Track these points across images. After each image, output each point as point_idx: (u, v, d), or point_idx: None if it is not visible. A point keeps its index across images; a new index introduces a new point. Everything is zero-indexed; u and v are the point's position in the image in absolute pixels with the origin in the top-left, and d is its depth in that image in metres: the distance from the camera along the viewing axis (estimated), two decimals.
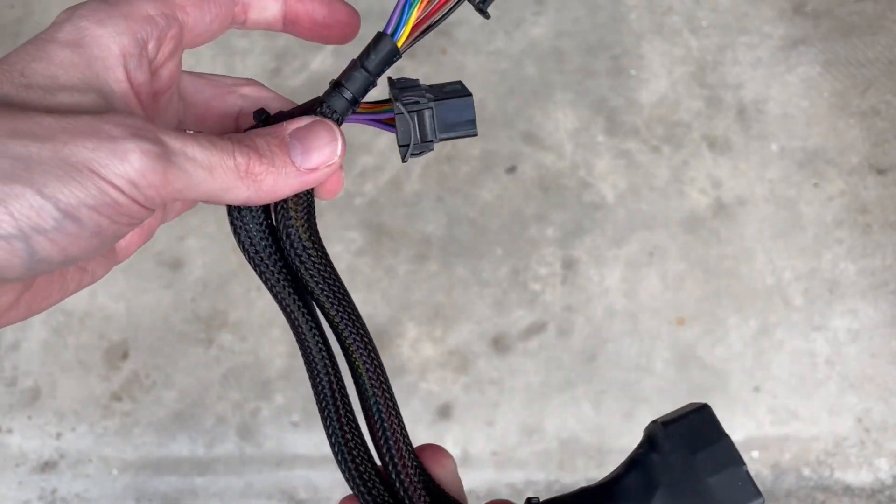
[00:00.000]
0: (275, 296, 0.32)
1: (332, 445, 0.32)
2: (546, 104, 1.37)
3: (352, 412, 0.33)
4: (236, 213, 0.31)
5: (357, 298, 1.28)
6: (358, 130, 1.37)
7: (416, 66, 1.42)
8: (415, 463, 0.32)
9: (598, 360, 1.17)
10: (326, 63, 1.45)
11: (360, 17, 0.34)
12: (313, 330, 0.33)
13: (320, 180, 0.30)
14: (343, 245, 1.28)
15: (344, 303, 0.33)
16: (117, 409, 1.20)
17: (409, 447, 0.32)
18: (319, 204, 1.16)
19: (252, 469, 1.15)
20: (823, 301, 1.19)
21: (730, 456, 0.29)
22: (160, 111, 0.31)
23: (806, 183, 1.28)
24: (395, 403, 0.33)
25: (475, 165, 1.33)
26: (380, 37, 0.30)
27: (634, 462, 0.30)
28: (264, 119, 0.31)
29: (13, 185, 0.22)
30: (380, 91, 0.33)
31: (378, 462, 0.33)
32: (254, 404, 1.18)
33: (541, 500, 0.30)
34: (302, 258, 0.31)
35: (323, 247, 0.32)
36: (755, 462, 1.12)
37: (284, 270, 0.32)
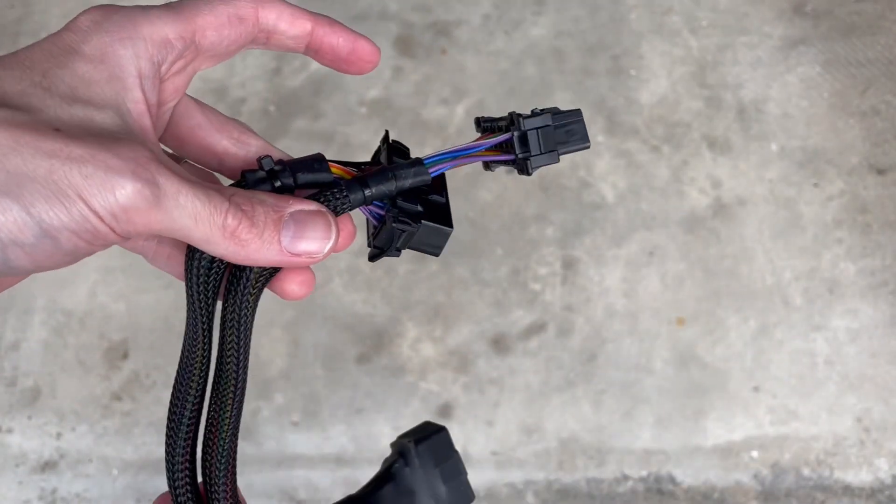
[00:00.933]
0: (191, 316, 0.32)
1: (172, 451, 0.33)
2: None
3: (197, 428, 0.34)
4: (198, 257, 0.31)
5: (357, 298, 1.29)
6: (359, 131, 1.37)
7: (416, 66, 1.42)
8: (234, 497, 0.34)
9: (597, 359, 1.17)
10: None
11: (380, 54, 0.34)
12: (206, 355, 0.33)
13: (298, 266, 0.30)
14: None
15: (242, 374, 0.33)
16: (117, 409, 1.20)
17: (234, 485, 0.34)
18: None
19: (252, 469, 1.15)
20: (823, 301, 1.19)
21: (457, 469, 0.39)
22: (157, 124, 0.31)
23: (806, 183, 1.28)
24: (235, 446, 0.34)
25: (475, 165, 1.33)
26: (422, 170, 0.33)
27: (391, 475, 0.39)
28: (269, 170, 0.31)
29: (3, 198, 0.23)
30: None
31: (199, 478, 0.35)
32: (254, 404, 1.18)
33: None
34: (237, 320, 0.32)
35: (253, 317, 0.33)
36: (755, 461, 1.12)
37: (213, 309, 0.32)
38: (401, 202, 0.33)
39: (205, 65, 0.31)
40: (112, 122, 0.26)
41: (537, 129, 0.33)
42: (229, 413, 0.33)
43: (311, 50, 0.33)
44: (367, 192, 0.31)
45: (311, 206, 0.30)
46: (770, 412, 1.14)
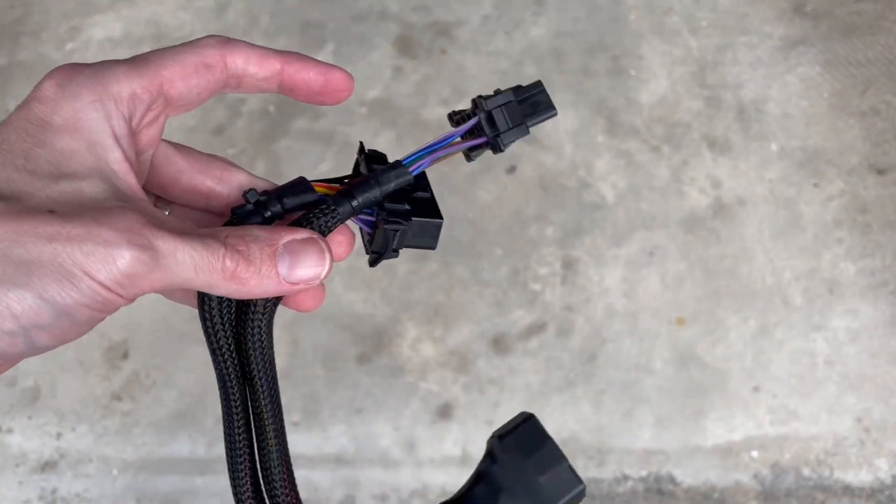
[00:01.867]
0: (218, 368, 0.34)
1: (235, 478, 0.34)
2: None
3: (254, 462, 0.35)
4: (207, 301, 0.33)
5: (357, 298, 1.29)
6: (359, 130, 1.37)
7: (417, 66, 1.42)
8: None
9: (597, 359, 1.17)
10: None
11: (353, 81, 0.34)
12: (243, 399, 0.35)
13: (298, 292, 0.31)
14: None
15: (274, 392, 0.35)
16: (117, 409, 1.20)
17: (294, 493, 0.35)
18: None
19: None
20: (823, 301, 1.19)
21: (554, 456, 0.35)
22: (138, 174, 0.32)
23: (805, 183, 1.28)
24: (290, 470, 0.35)
25: (475, 165, 1.33)
26: (402, 171, 0.33)
27: (480, 475, 0.36)
28: (255, 202, 0.32)
29: (16, 289, 0.25)
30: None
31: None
32: None
33: None
34: (255, 347, 0.34)
35: (271, 335, 0.35)
36: (755, 461, 1.12)
37: (232, 343, 0.34)
38: (388, 205, 0.34)
39: (176, 113, 0.31)
40: (100, 190, 0.27)
41: (501, 106, 0.34)
42: (270, 431, 0.34)
43: (285, 88, 0.33)
44: (354, 203, 0.32)
45: (303, 234, 0.30)
46: (770, 412, 1.14)
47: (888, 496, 1.09)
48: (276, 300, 0.33)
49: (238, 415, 0.34)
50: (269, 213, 0.32)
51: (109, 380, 1.21)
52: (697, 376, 1.16)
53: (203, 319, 0.33)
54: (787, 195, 1.27)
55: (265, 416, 0.35)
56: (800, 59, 1.38)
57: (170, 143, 0.33)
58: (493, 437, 0.36)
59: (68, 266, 0.25)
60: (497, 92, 0.34)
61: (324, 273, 0.31)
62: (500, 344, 1.20)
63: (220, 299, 0.32)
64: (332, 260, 0.31)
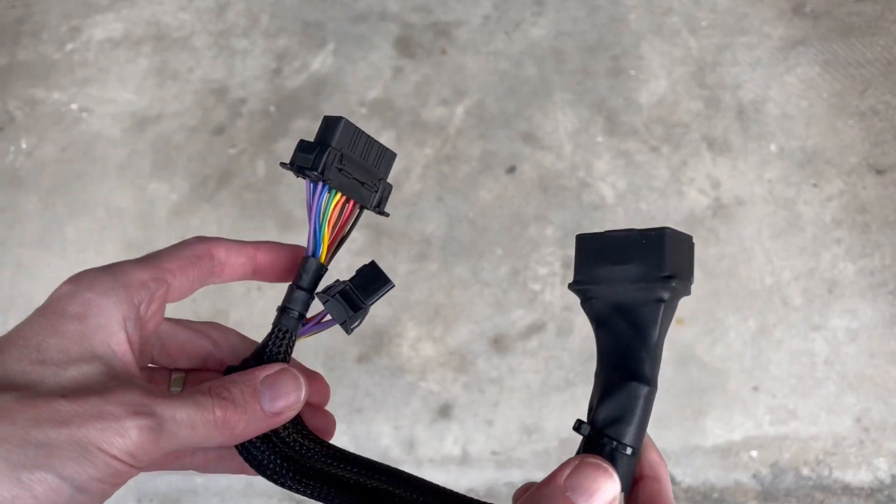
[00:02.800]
0: (310, 496, 0.36)
1: None
2: (546, 104, 1.38)
3: None
4: (245, 452, 0.35)
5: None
6: None
7: (416, 66, 1.42)
8: None
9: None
10: (326, 63, 1.45)
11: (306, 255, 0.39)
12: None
13: (285, 421, 0.34)
14: (343, 245, 1.28)
15: (372, 465, 0.36)
16: None
17: None
18: None
19: None
20: (822, 301, 1.20)
21: (620, 239, 0.32)
22: (140, 352, 0.35)
23: (805, 183, 1.28)
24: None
25: (475, 165, 1.33)
26: (305, 260, 0.36)
27: (593, 322, 0.32)
28: (242, 364, 0.35)
29: (37, 471, 0.27)
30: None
31: None
32: None
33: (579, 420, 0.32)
34: (311, 455, 0.36)
35: (319, 439, 0.37)
36: (754, 461, 1.12)
37: (303, 471, 0.36)
38: (322, 293, 0.36)
39: (173, 300, 0.36)
40: (101, 373, 0.30)
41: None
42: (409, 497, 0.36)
43: (258, 271, 0.38)
44: (293, 313, 0.35)
45: (274, 367, 0.34)
46: (769, 412, 1.14)
47: (887, 496, 1.09)
48: (294, 422, 0.36)
49: None
50: (252, 364, 0.36)
51: None
52: (697, 376, 1.16)
53: (260, 469, 0.35)
54: (787, 195, 1.27)
55: (404, 494, 0.35)
56: (799, 60, 1.38)
57: (171, 320, 0.38)
58: (569, 286, 0.34)
59: (84, 444, 0.28)
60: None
61: (301, 397, 0.34)
62: (500, 344, 1.20)
63: (257, 447, 0.35)
64: (307, 383, 0.34)
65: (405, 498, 0.35)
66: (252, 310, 1.23)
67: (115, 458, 0.28)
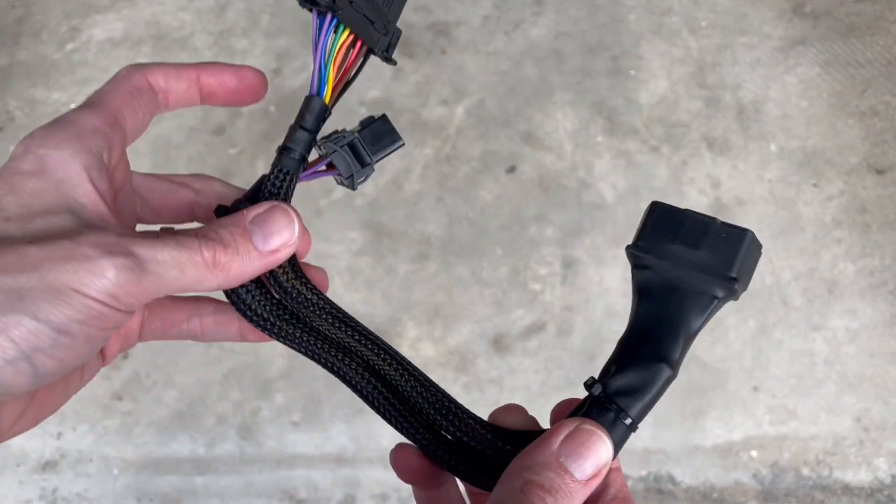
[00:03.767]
0: (297, 348, 0.35)
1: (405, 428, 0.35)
2: (546, 104, 1.38)
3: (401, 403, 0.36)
4: (239, 300, 0.34)
5: (357, 298, 1.29)
6: None
7: (417, 66, 1.42)
8: (476, 421, 0.34)
9: (597, 359, 1.18)
10: None
11: (266, 79, 0.37)
12: (343, 358, 0.35)
13: (282, 259, 0.32)
14: (343, 245, 1.28)
15: (356, 329, 0.35)
16: (118, 409, 1.20)
17: (465, 412, 0.35)
18: (318, 203, 1.16)
19: (252, 468, 1.15)
20: (822, 301, 1.20)
21: (700, 223, 0.31)
22: (119, 209, 0.34)
23: (805, 183, 1.28)
24: (432, 386, 0.35)
25: (475, 165, 1.33)
26: (309, 99, 0.34)
27: (637, 291, 0.32)
28: (223, 212, 0.34)
29: (10, 314, 0.26)
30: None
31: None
32: (254, 404, 1.18)
33: (591, 378, 0.32)
34: (307, 307, 0.35)
35: (319, 291, 0.35)
36: (754, 461, 1.12)
37: (293, 322, 0.35)
38: (328, 137, 0.34)
39: (129, 142, 0.34)
40: (71, 223, 0.29)
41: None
42: (399, 376, 0.35)
43: (206, 95, 0.35)
44: (293, 154, 0.34)
45: (263, 206, 0.32)
46: (769, 412, 1.14)
47: (887, 496, 1.09)
48: (295, 269, 0.34)
49: (366, 378, 0.35)
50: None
51: (110, 379, 1.22)
52: (697, 376, 1.16)
53: (248, 316, 0.34)
54: (787, 195, 1.27)
55: (372, 360, 0.35)
56: (799, 60, 1.38)
57: (148, 174, 0.36)
58: (628, 247, 0.33)
59: (57, 286, 0.26)
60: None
61: (296, 231, 0.32)
62: (500, 344, 1.20)
63: (245, 288, 0.34)
64: (300, 219, 0.33)
65: (389, 373, 0.35)
66: None
67: (95, 299, 0.27)
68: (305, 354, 0.35)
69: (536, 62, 1.42)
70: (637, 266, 0.32)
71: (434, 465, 0.35)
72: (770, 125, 1.33)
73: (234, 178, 1.36)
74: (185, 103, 0.35)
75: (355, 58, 0.35)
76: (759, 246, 0.31)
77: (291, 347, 0.35)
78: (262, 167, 1.35)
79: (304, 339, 0.35)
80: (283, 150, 0.34)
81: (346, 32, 0.33)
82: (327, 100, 0.34)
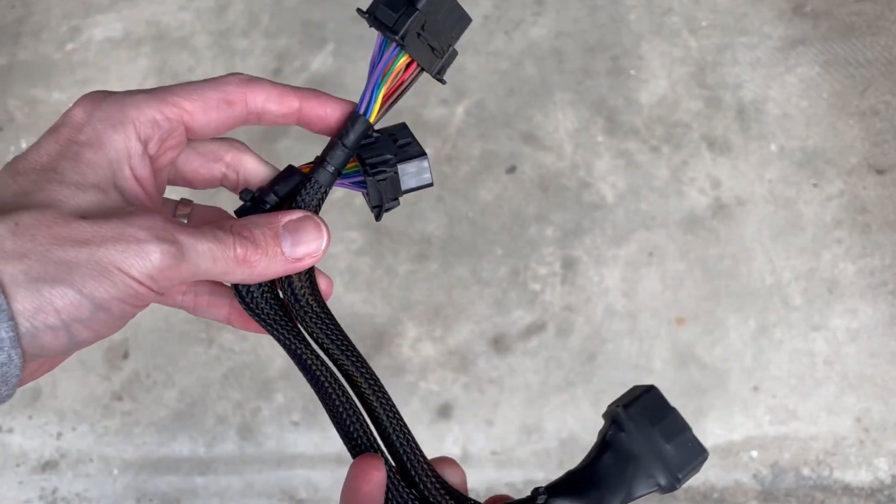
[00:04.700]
0: (287, 349, 0.36)
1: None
2: (546, 104, 1.38)
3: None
4: (244, 290, 0.35)
5: (357, 298, 1.29)
6: None
7: None
8: (432, 471, 0.37)
9: (597, 359, 1.18)
10: (327, 63, 1.45)
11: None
12: (322, 367, 0.36)
13: (304, 268, 0.34)
14: (343, 245, 1.28)
15: (350, 350, 0.37)
16: (118, 409, 1.20)
17: (426, 459, 0.37)
18: None
19: (252, 468, 1.15)
20: (822, 301, 1.20)
21: (679, 425, 0.37)
22: (155, 184, 0.35)
23: (805, 183, 1.28)
24: (406, 426, 0.37)
25: (475, 165, 1.33)
26: (356, 117, 0.34)
27: (607, 443, 0.36)
28: (251, 199, 0.35)
29: (58, 286, 0.27)
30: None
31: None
32: (254, 404, 1.18)
33: (540, 487, 0.36)
34: (310, 316, 0.36)
35: (325, 306, 0.37)
36: (754, 461, 1.12)
37: (289, 323, 0.36)
38: (370, 159, 0.35)
39: (198, 139, 0.35)
40: (118, 200, 0.31)
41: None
42: (379, 408, 0.36)
43: (303, 122, 0.36)
44: (330, 169, 0.35)
45: (297, 213, 0.34)
46: (769, 412, 1.14)
47: (888, 496, 1.09)
48: (309, 280, 0.36)
49: (340, 400, 0.36)
50: (267, 206, 0.35)
51: (110, 380, 1.22)
52: (697, 376, 1.16)
53: (251, 310, 0.35)
54: (787, 195, 1.27)
55: (357, 380, 0.36)
56: (799, 60, 1.38)
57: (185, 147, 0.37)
58: (615, 405, 0.37)
59: (104, 264, 0.28)
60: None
61: (323, 245, 0.34)
62: (500, 344, 1.20)
63: (257, 288, 0.35)
64: (329, 232, 0.35)
65: (369, 396, 0.36)
66: None
67: (136, 279, 0.29)
68: (291, 355, 0.36)
69: (536, 62, 1.42)
70: (616, 423, 0.37)
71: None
72: (770, 125, 1.33)
73: None
74: (279, 124, 0.36)
75: (407, 76, 0.35)
76: (706, 458, 0.38)
77: (281, 344, 0.36)
78: None
79: (294, 340, 0.36)
80: (322, 162, 0.35)
81: (406, 57, 0.34)
82: (372, 118, 0.35)
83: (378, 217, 0.36)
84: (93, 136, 0.31)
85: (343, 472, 1.23)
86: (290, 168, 0.36)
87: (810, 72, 1.37)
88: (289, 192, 0.35)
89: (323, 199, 0.35)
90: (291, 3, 1.52)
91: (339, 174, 0.35)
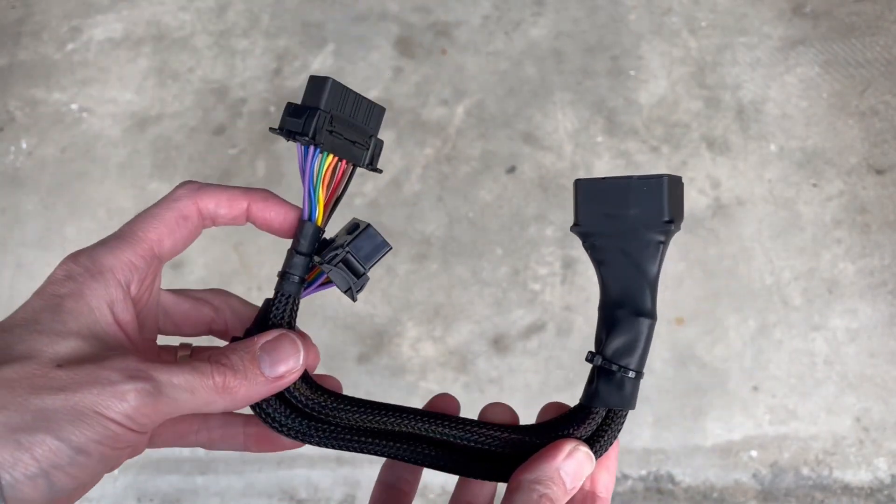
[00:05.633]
0: (331, 447, 0.37)
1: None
2: (546, 104, 1.38)
3: None
4: (261, 412, 0.36)
5: (357, 298, 1.29)
6: None
7: (417, 66, 1.43)
8: (500, 426, 0.40)
9: None
10: (326, 63, 1.45)
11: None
12: (370, 441, 0.38)
13: (287, 385, 0.35)
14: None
15: (379, 408, 0.37)
16: None
17: (486, 424, 0.39)
18: None
19: (253, 468, 1.15)
20: (822, 301, 1.20)
21: (621, 184, 0.34)
22: (142, 323, 0.36)
23: (805, 183, 1.28)
24: (463, 420, 0.39)
25: (475, 165, 1.33)
26: (302, 224, 0.36)
27: (596, 261, 0.35)
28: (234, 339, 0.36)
29: (36, 433, 0.28)
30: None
31: None
32: None
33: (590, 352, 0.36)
34: (328, 410, 0.37)
35: (336, 394, 0.38)
36: (754, 461, 1.12)
37: (321, 424, 0.37)
38: (326, 254, 0.36)
39: (167, 260, 0.36)
40: (97, 348, 0.32)
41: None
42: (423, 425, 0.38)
43: (253, 223, 0.38)
44: (294, 278, 0.36)
45: (273, 333, 0.35)
46: (769, 412, 1.14)
47: (887, 496, 1.09)
48: (309, 383, 0.37)
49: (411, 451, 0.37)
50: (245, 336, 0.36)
51: None
52: (697, 376, 1.16)
53: (280, 430, 0.36)
54: (787, 195, 1.27)
55: (414, 425, 0.37)
56: (799, 60, 1.38)
57: (174, 292, 0.39)
58: (572, 229, 0.36)
59: (80, 408, 0.29)
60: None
61: (301, 361, 0.35)
62: (499, 344, 1.20)
63: (272, 405, 0.36)
64: (306, 347, 0.36)
65: (435, 436, 0.37)
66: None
67: (113, 420, 0.29)
68: (339, 448, 0.37)
69: (536, 62, 1.42)
70: (586, 242, 0.35)
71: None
72: (770, 125, 1.33)
73: (234, 178, 1.36)
74: (233, 224, 0.37)
75: (342, 175, 0.37)
76: (678, 179, 0.34)
77: (326, 447, 0.37)
78: (262, 167, 1.35)
79: (335, 435, 0.37)
80: (284, 275, 0.36)
81: (330, 157, 0.35)
82: (319, 221, 0.36)
83: (353, 298, 0.37)
84: (74, 289, 0.32)
85: (343, 472, 1.22)
86: (267, 300, 0.37)
87: (810, 72, 1.37)
88: (264, 312, 0.36)
89: (295, 310, 0.36)
90: (291, 3, 1.52)
91: (303, 280, 0.36)
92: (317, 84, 0.35)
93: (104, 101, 1.46)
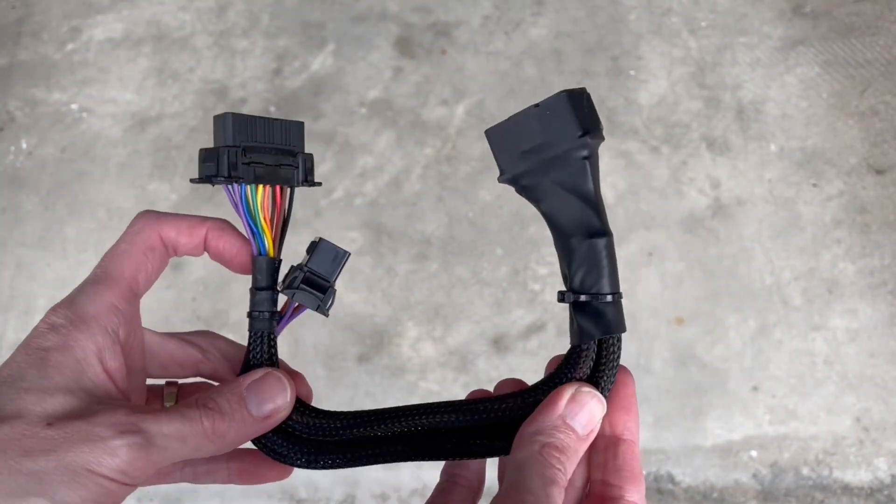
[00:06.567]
0: (341, 466, 0.37)
1: None
2: None
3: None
4: (262, 445, 0.36)
5: (357, 298, 1.29)
6: (359, 131, 1.38)
7: (417, 66, 1.43)
8: (507, 398, 0.40)
9: None
10: (326, 64, 1.45)
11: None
12: (371, 453, 0.38)
13: (276, 423, 0.35)
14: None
15: (383, 414, 0.37)
16: None
17: (489, 399, 0.41)
18: (318, 203, 1.16)
19: None
20: (822, 301, 1.20)
21: (524, 117, 0.33)
22: (130, 367, 0.36)
23: (805, 183, 1.28)
24: (465, 401, 0.40)
25: (475, 165, 1.33)
26: (255, 260, 0.36)
27: (533, 200, 0.34)
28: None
29: (29, 498, 0.28)
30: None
31: None
32: None
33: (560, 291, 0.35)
34: (332, 432, 0.37)
35: (337, 414, 0.37)
36: (754, 461, 1.12)
37: (327, 446, 0.37)
38: (286, 279, 0.36)
39: (140, 295, 0.36)
40: (86, 402, 0.31)
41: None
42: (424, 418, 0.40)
43: (206, 251, 0.38)
44: (264, 315, 0.36)
45: (258, 373, 0.35)
46: (769, 412, 1.14)
47: (887, 496, 1.09)
48: (305, 412, 0.37)
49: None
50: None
51: None
52: (696, 376, 1.16)
53: (288, 461, 0.36)
54: (787, 195, 1.27)
55: (419, 422, 0.38)
56: (799, 60, 1.38)
57: (161, 334, 0.39)
58: (499, 180, 0.35)
59: (73, 468, 0.29)
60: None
61: (288, 398, 0.35)
62: (500, 343, 1.20)
63: (273, 439, 0.36)
64: (293, 384, 0.35)
65: (435, 423, 0.38)
66: None
67: (106, 477, 0.29)
68: (346, 467, 0.37)
69: (536, 62, 1.42)
70: (517, 187, 0.35)
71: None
72: (770, 125, 1.33)
73: None
74: (194, 254, 0.37)
75: (281, 201, 0.36)
76: (581, 90, 0.33)
77: (337, 468, 0.37)
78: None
79: (341, 455, 0.37)
80: (251, 315, 0.36)
81: (260, 187, 0.35)
82: (271, 253, 0.36)
83: (325, 314, 0.37)
84: (58, 341, 0.32)
85: (343, 472, 1.22)
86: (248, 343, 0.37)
87: (810, 72, 1.37)
88: (245, 354, 0.36)
89: (273, 346, 0.36)
90: (291, 3, 1.52)
91: (274, 315, 0.36)
92: (218, 122, 0.35)
93: (104, 101, 1.46)
